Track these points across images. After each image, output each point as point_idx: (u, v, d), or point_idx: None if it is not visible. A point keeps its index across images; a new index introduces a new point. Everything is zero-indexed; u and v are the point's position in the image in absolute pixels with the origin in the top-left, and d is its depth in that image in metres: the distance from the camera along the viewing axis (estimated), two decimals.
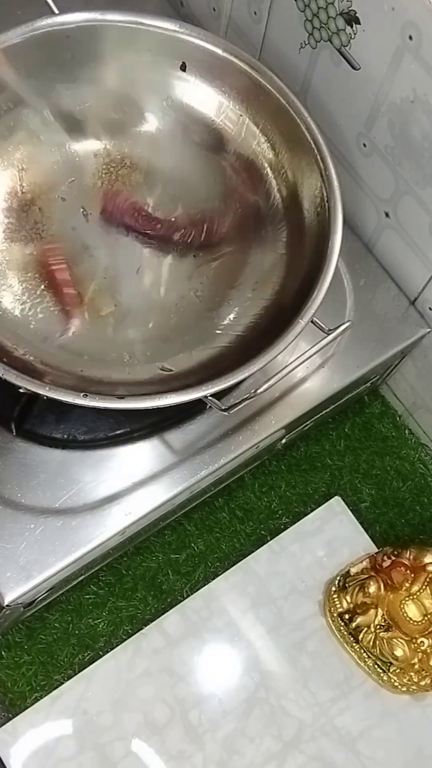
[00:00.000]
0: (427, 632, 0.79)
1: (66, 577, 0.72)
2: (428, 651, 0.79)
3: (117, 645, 0.82)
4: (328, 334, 0.68)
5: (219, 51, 0.73)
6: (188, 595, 0.85)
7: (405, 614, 0.78)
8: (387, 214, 0.78)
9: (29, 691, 0.81)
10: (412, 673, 0.80)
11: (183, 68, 0.75)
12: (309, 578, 0.86)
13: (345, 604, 0.82)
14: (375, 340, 0.79)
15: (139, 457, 0.73)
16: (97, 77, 0.76)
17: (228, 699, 0.81)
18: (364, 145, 0.75)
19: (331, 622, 0.83)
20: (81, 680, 0.81)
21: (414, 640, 0.79)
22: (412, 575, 0.80)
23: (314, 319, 0.66)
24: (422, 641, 0.79)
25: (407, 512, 0.91)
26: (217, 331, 0.72)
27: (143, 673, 0.81)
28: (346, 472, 0.92)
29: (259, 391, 0.65)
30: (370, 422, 0.95)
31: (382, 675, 0.81)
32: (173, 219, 0.76)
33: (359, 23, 0.68)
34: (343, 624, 0.82)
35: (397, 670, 0.80)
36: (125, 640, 0.83)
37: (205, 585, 0.85)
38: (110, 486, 0.72)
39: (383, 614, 0.80)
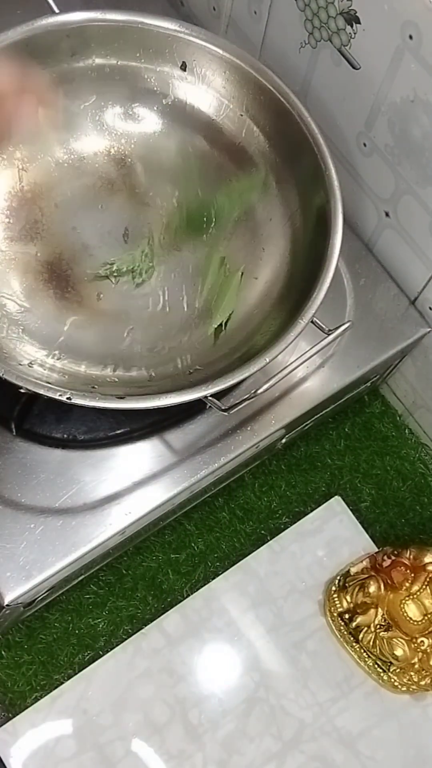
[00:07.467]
0: (427, 632, 0.79)
1: (66, 576, 0.72)
2: (428, 651, 0.79)
3: (117, 645, 0.82)
4: (328, 334, 0.68)
5: (219, 51, 0.73)
6: (188, 595, 0.85)
7: (405, 614, 0.78)
8: (387, 214, 0.78)
9: (29, 691, 0.81)
10: (412, 673, 0.80)
11: (183, 68, 0.75)
12: (309, 578, 0.86)
13: (345, 604, 0.82)
14: (375, 339, 0.79)
15: (139, 457, 0.73)
16: (96, 77, 0.76)
17: (228, 699, 0.81)
18: (364, 145, 0.75)
19: (331, 621, 0.83)
20: (81, 680, 0.81)
21: (414, 640, 0.79)
22: (412, 575, 0.80)
23: (314, 319, 0.66)
24: (422, 641, 0.79)
25: (407, 512, 0.91)
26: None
27: (143, 673, 0.81)
28: (346, 471, 0.92)
29: (259, 391, 0.65)
30: (370, 422, 0.94)
31: (382, 675, 0.81)
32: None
33: (359, 22, 0.68)
34: (343, 624, 0.82)
35: (397, 670, 0.80)
36: (125, 639, 0.83)
37: (205, 585, 0.85)
38: (110, 486, 0.72)
39: (383, 614, 0.80)
